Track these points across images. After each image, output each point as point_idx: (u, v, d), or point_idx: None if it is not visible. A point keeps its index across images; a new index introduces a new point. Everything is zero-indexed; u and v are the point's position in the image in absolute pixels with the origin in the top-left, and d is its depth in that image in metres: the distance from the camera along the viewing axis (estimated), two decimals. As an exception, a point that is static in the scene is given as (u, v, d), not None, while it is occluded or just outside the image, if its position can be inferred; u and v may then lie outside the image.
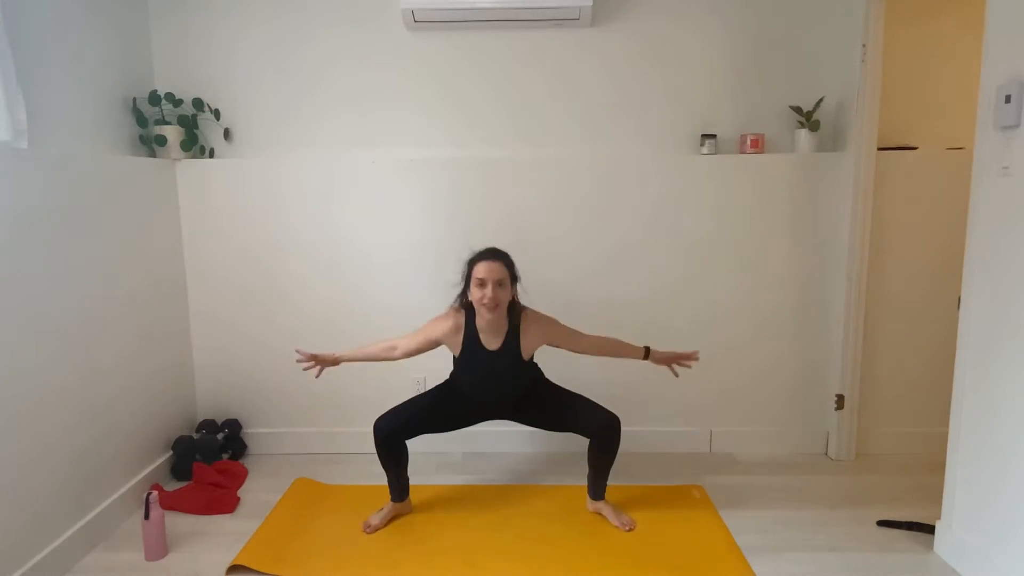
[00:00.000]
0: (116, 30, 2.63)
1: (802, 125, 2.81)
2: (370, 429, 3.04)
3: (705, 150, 2.83)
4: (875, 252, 2.83)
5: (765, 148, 2.84)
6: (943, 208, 2.81)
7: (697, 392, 2.99)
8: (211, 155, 2.93)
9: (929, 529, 2.24)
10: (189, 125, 2.81)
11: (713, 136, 2.83)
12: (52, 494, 2.10)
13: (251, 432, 3.03)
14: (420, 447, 2.97)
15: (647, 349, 2.42)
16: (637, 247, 2.89)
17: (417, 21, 2.74)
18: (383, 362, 2.45)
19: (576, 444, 2.93)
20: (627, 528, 2.31)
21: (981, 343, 2.01)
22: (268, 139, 2.93)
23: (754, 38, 2.85)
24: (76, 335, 2.23)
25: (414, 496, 2.47)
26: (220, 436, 2.87)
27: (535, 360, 2.45)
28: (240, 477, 2.75)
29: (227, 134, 2.93)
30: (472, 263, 2.25)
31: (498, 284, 2.18)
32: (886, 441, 2.96)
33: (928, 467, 2.73)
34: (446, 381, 2.46)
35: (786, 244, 2.88)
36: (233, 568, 2.09)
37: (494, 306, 2.19)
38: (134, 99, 2.72)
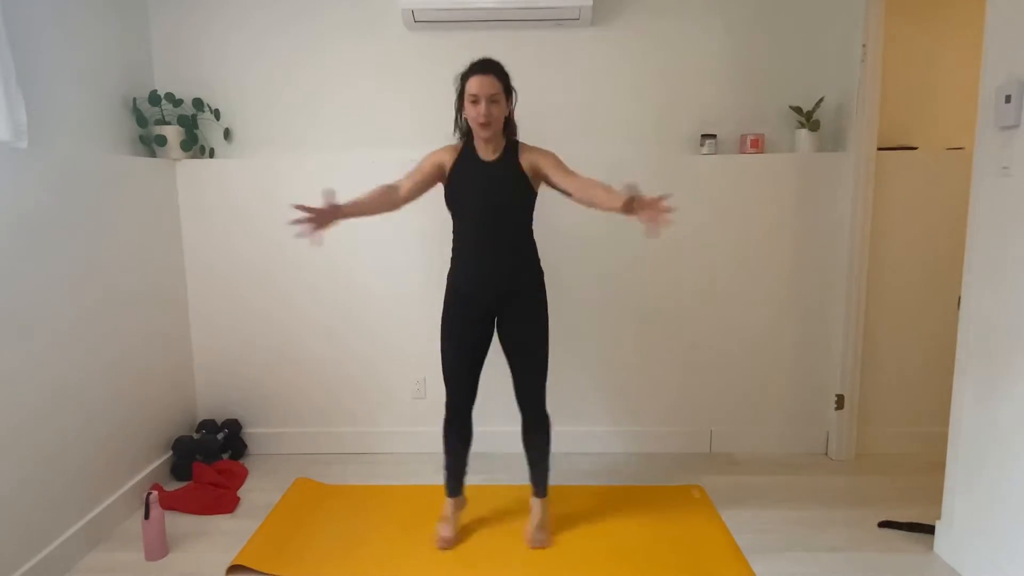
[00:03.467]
0: (116, 30, 2.63)
1: (802, 125, 2.81)
2: (370, 430, 3.05)
3: (705, 150, 2.83)
4: (875, 252, 2.83)
5: (765, 148, 2.84)
6: (943, 208, 2.81)
7: (697, 392, 2.99)
8: (211, 155, 2.93)
9: (929, 529, 2.24)
10: (189, 125, 2.81)
11: (713, 136, 2.83)
12: (52, 494, 2.10)
13: (251, 432, 3.03)
14: (420, 447, 2.97)
15: (630, 201, 1.93)
16: (636, 247, 2.89)
17: (417, 21, 2.74)
18: (387, 212, 2.19)
19: (575, 444, 2.94)
20: (535, 545, 2.21)
21: (981, 343, 2.01)
22: (268, 139, 2.93)
23: (754, 38, 2.85)
24: (76, 335, 2.23)
25: (413, 496, 2.47)
26: (220, 436, 2.87)
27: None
28: (240, 477, 2.75)
29: (227, 134, 2.93)
30: (464, 77, 2.08)
31: (491, 100, 2.04)
32: (886, 441, 2.96)
33: (928, 467, 2.73)
34: (443, 311, 2.26)
35: (786, 244, 2.88)
36: (233, 568, 2.09)
37: (488, 123, 2.05)
38: (134, 99, 2.72)
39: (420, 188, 2.19)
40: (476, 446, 2.97)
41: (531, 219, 2.23)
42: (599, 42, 2.85)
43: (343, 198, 2.07)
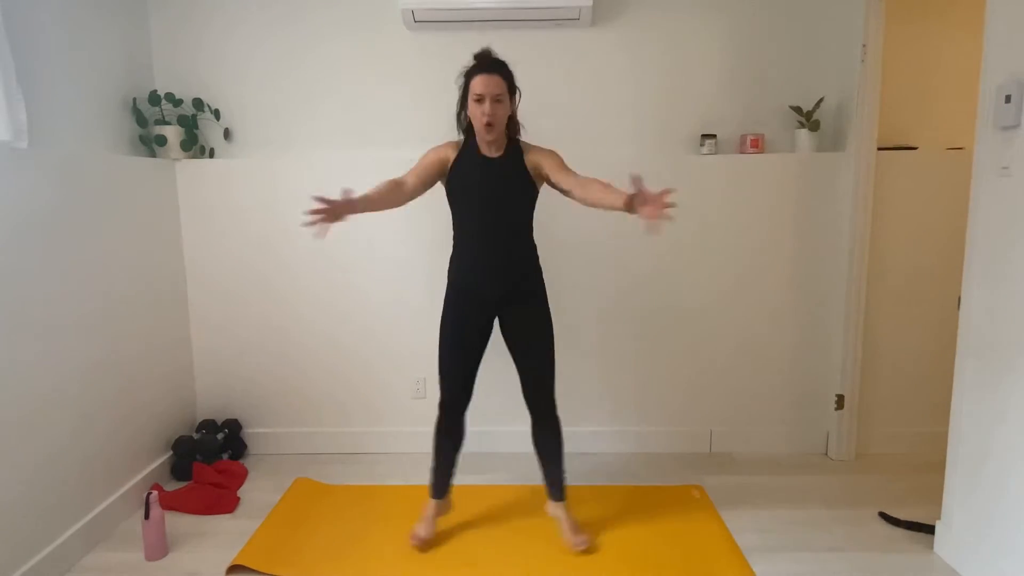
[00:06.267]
0: (116, 30, 2.63)
1: (802, 125, 2.81)
2: (370, 430, 3.04)
3: (705, 150, 2.83)
4: (875, 252, 2.83)
5: (765, 148, 2.84)
6: (943, 208, 2.81)
7: (697, 392, 2.99)
8: (211, 155, 2.93)
9: (929, 529, 2.24)
10: (189, 125, 2.81)
11: (713, 136, 2.83)
12: (52, 494, 2.10)
13: (251, 432, 3.03)
14: (420, 447, 2.97)
15: (631, 199, 1.89)
16: (636, 247, 2.89)
17: (417, 21, 2.74)
18: (393, 207, 2.12)
19: (576, 444, 2.93)
20: (579, 547, 2.16)
21: (981, 343, 2.01)
22: (268, 139, 2.93)
23: (754, 38, 2.85)
24: (76, 335, 2.23)
25: (413, 495, 2.46)
26: (220, 436, 2.87)
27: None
28: (240, 477, 2.75)
29: (227, 134, 2.93)
30: (468, 76, 2.05)
31: (496, 100, 2.01)
32: (886, 441, 2.97)
33: (928, 467, 2.73)
34: (443, 309, 2.23)
35: (786, 244, 2.88)
36: (233, 568, 2.09)
37: (492, 123, 2.02)
38: (134, 99, 2.72)
39: (424, 183, 2.14)
40: (475, 446, 2.99)
41: (531, 218, 2.23)
42: (599, 42, 2.85)
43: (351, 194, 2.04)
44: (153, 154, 2.82)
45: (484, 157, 2.12)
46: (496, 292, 2.16)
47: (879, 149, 2.75)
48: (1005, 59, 1.90)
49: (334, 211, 1.94)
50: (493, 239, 2.14)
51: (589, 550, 2.18)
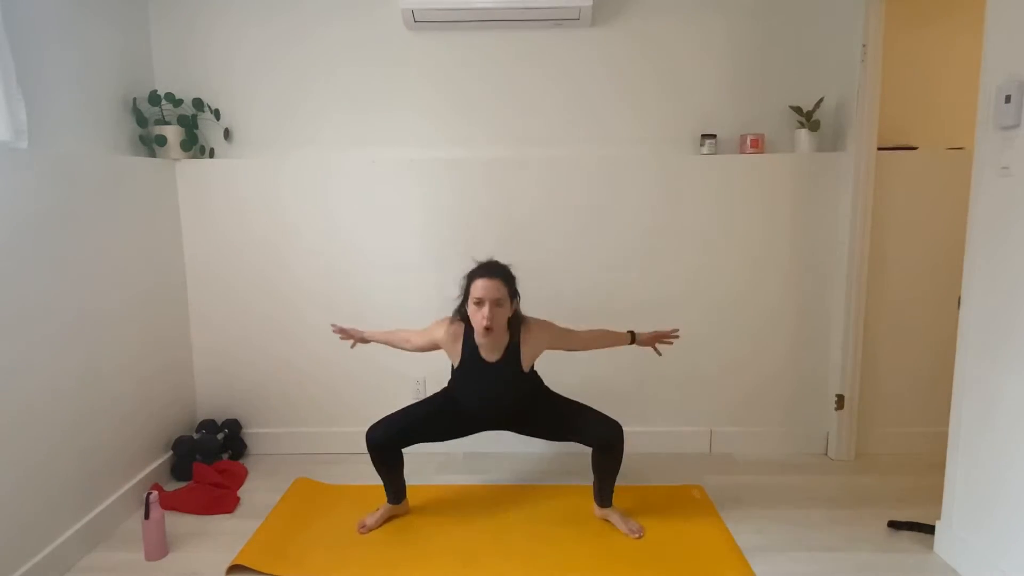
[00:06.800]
0: (116, 30, 2.63)
1: (802, 125, 2.81)
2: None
3: (705, 150, 2.83)
4: (875, 252, 2.83)
5: (765, 148, 2.84)
6: (943, 208, 2.81)
7: (697, 392, 2.99)
8: (211, 155, 2.93)
9: (929, 529, 2.24)
10: (189, 125, 2.81)
11: (713, 136, 2.83)
12: (52, 494, 2.10)
13: (251, 432, 3.03)
14: (420, 447, 2.97)
15: (632, 334, 2.41)
16: (637, 248, 2.89)
17: (417, 21, 2.74)
18: (394, 349, 2.50)
19: (577, 444, 2.93)
20: (636, 535, 2.26)
21: (981, 343, 2.01)
22: (268, 139, 2.93)
23: (754, 38, 2.85)
24: (76, 335, 2.23)
25: (414, 496, 2.47)
26: (220, 436, 2.87)
27: (535, 369, 2.40)
28: (240, 477, 2.75)
29: (227, 134, 2.93)
30: (470, 278, 2.17)
31: (496, 303, 2.10)
32: (886, 441, 2.96)
33: (928, 467, 2.73)
34: (444, 389, 2.41)
35: (786, 244, 2.88)
36: (233, 568, 2.09)
37: (491, 327, 2.12)
38: (134, 99, 2.72)
39: (422, 350, 2.40)
40: (475, 446, 2.99)
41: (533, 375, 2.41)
42: (599, 42, 2.85)
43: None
44: (153, 154, 2.82)
45: (484, 362, 2.24)
46: (495, 421, 2.38)
47: (879, 149, 2.75)
48: (1005, 59, 1.90)
49: (349, 337, 2.45)
50: (493, 408, 2.34)
51: (642, 535, 2.27)
